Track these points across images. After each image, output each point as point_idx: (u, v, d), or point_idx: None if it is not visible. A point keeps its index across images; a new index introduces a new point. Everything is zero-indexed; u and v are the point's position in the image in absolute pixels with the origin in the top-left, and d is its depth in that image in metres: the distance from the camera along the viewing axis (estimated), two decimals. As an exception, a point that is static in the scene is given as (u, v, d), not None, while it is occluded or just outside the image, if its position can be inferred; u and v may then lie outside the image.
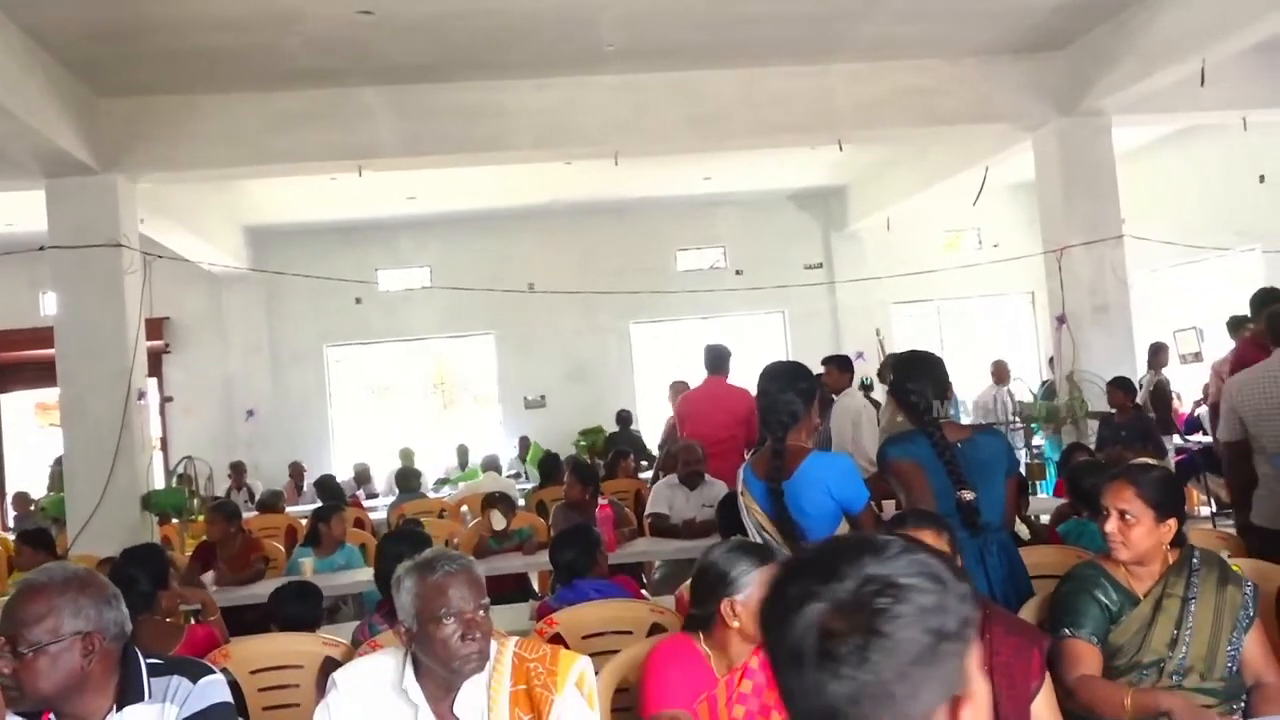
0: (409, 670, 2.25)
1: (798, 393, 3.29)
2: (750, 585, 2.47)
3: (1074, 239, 7.75)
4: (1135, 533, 2.62)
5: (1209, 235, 10.02)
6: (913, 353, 3.51)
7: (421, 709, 2.21)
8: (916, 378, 3.30)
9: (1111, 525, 2.65)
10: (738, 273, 13.11)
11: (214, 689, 2.18)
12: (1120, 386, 7.11)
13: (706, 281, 12.83)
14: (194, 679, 2.16)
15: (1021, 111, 7.90)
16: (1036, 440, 9.21)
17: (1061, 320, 7.91)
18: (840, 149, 8.17)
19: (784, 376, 3.37)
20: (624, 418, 11.23)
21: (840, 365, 6.88)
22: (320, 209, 11.28)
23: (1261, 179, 10.10)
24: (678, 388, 8.22)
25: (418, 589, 2.20)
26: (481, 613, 2.21)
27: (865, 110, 7.76)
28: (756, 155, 10.20)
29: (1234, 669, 2.60)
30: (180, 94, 7.03)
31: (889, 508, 4.63)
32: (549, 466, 8.11)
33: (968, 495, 3.09)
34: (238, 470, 10.82)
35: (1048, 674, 2.48)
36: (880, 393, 8.07)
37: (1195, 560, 2.68)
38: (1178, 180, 11.10)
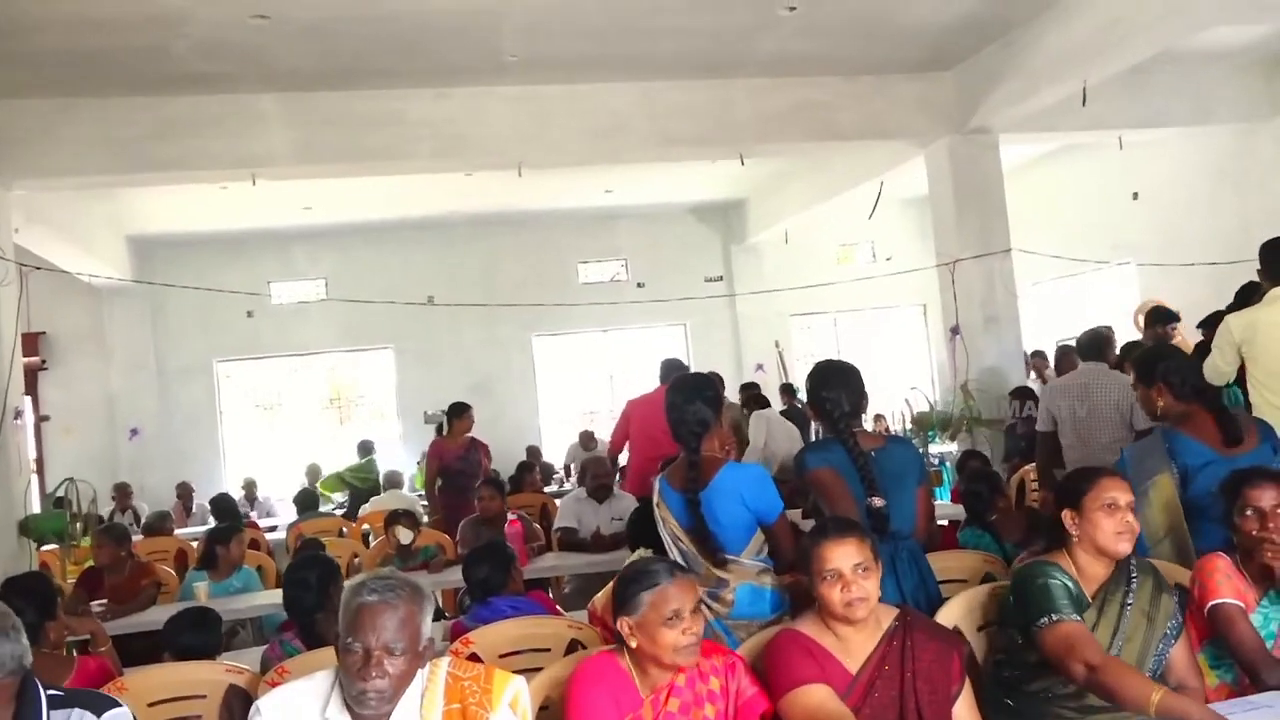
0: (336, 695, 2.15)
1: (705, 401, 3.33)
2: (643, 606, 2.41)
3: (965, 252, 8.01)
4: (1136, 520, 2.68)
5: (1088, 249, 10.46)
6: (829, 362, 3.56)
7: None
8: (832, 386, 3.35)
9: (1131, 517, 2.67)
10: (639, 285, 13.17)
11: None
12: (1020, 397, 7.23)
13: (608, 294, 12.81)
14: (98, 712, 2.04)
15: (914, 128, 8.14)
16: (934, 449, 9.46)
17: (955, 331, 8.16)
18: (742, 163, 8.28)
19: (689, 388, 3.42)
20: (365, 447, 10.79)
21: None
22: (209, 219, 10.87)
23: (1135, 196, 10.62)
24: None
25: (345, 606, 2.12)
26: (392, 656, 2.06)
27: (765, 124, 7.88)
28: (657, 168, 10.27)
29: (1158, 673, 2.67)
30: (59, 97, 6.69)
31: (794, 517, 4.70)
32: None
33: (878, 502, 3.14)
34: (122, 492, 10.29)
35: (967, 678, 2.53)
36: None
37: (1133, 568, 2.74)
38: (1059, 196, 11.58)
